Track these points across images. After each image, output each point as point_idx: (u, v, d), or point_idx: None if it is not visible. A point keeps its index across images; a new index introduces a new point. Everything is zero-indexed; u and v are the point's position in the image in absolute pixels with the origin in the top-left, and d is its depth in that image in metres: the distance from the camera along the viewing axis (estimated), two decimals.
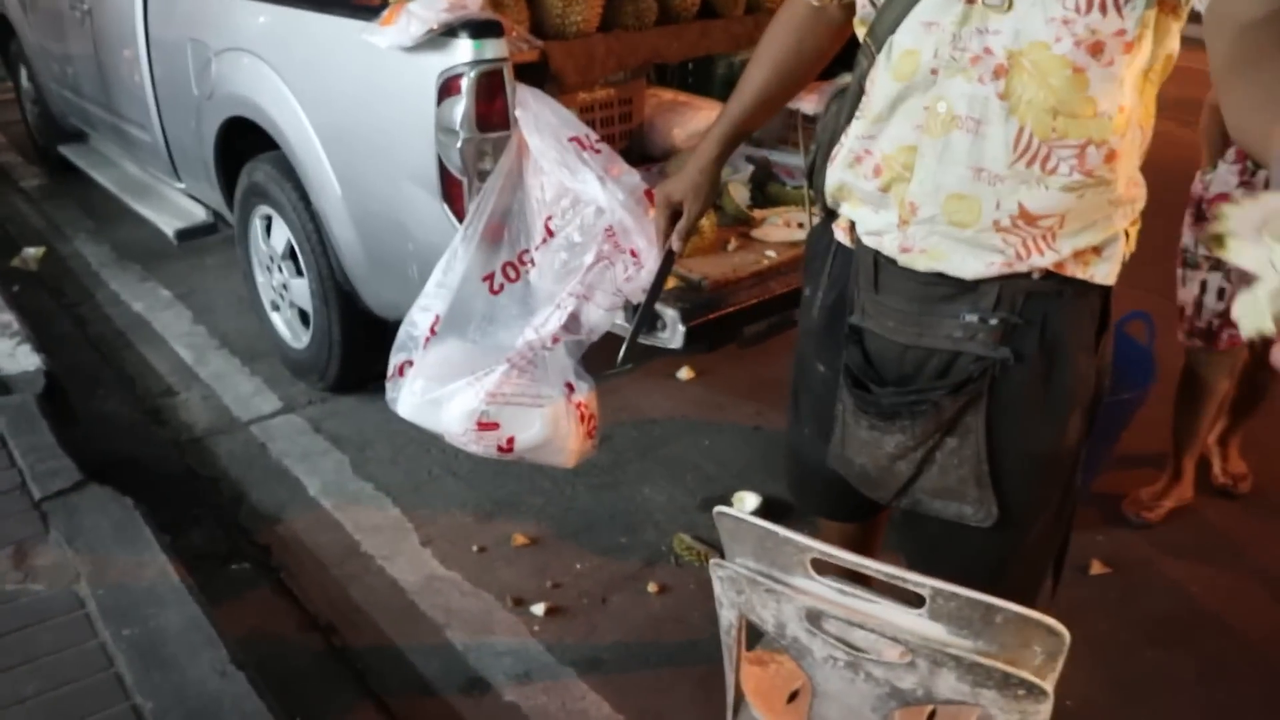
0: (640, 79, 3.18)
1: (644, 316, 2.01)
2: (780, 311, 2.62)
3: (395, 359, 2.24)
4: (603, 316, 2.12)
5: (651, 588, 2.63)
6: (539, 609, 2.53)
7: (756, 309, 2.59)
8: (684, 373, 3.68)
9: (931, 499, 1.47)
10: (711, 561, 1.33)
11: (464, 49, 2.30)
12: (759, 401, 3.49)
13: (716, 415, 3.45)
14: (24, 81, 5.84)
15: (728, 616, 1.38)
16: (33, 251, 4.57)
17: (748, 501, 2.97)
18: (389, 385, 2.22)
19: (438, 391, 2.18)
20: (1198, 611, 2.61)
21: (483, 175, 2.35)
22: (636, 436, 3.30)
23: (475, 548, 2.76)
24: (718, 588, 1.36)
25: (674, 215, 1.81)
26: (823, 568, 1.27)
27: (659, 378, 3.66)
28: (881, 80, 1.36)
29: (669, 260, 1.92)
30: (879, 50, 1.37)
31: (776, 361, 3.05)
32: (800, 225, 2.90)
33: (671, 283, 2.48)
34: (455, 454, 2.95)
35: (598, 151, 2.20)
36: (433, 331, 2.23)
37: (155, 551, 2.38)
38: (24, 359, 3.21)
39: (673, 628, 2.50)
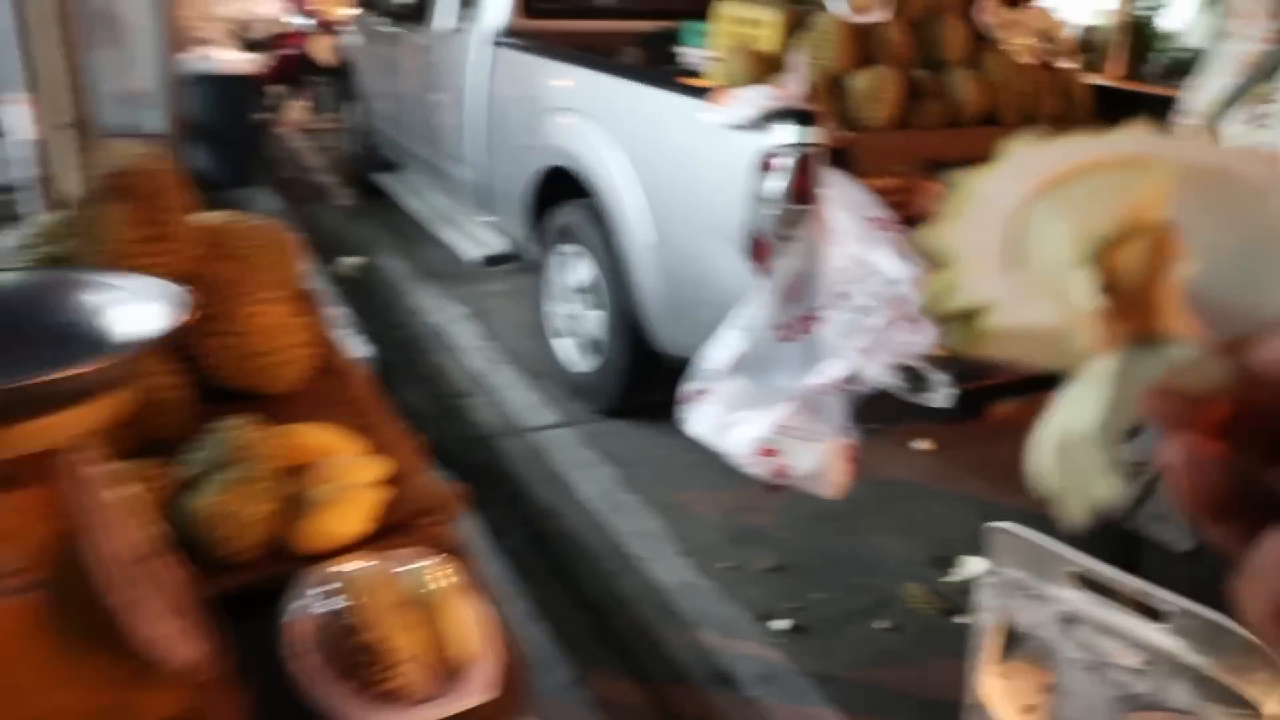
0: (922, 173, 3.51)
1: (915, 377, 2.32)
2: (1032, 392, 2.88)
3: (691, 386, 2.63)
4: (879, 373, 2.45)
5: (882, 624, 2.91)
6: (782, 625, 2.85)
7: (1011, 386, 2.85)
8: (922, 443, 3.94)
9: (1149, 522, 1.72)
10: (983, 570, 1.63)
11: (786, 133, 2.70)
12: (990, 479, 3.71)
13: (949, 485, 3.69)
14: (357, 116, 6.70)
15: (986, 620, 1.68)
16: (353, 260, 5.28)
17: (971, 565, 3.21)
18: (683, 408, 2.60)
19: (728, 418, 2.55)
20: None
21: (786, 240, 2.73)
22: (874, 493, 3.58)
23: (727, 565, 3.11)
24: (983, 595, 1.66)
25: None
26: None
27: (898, 444, 3.93)
28: None
29: None
30: None
31: (1010, 442, 3.28)
32: None
33: (938, 350, 2.78)
34: (713, 480, 3.33)
35: (891, 231, 2.54)
36: (729, 367, 2.61)
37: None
38: (358, 347, 3.81)
39: (901, 661, 2.77)
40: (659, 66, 3.89)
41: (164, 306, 0.80)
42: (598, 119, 3.52)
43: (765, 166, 2.73)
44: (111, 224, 1.32)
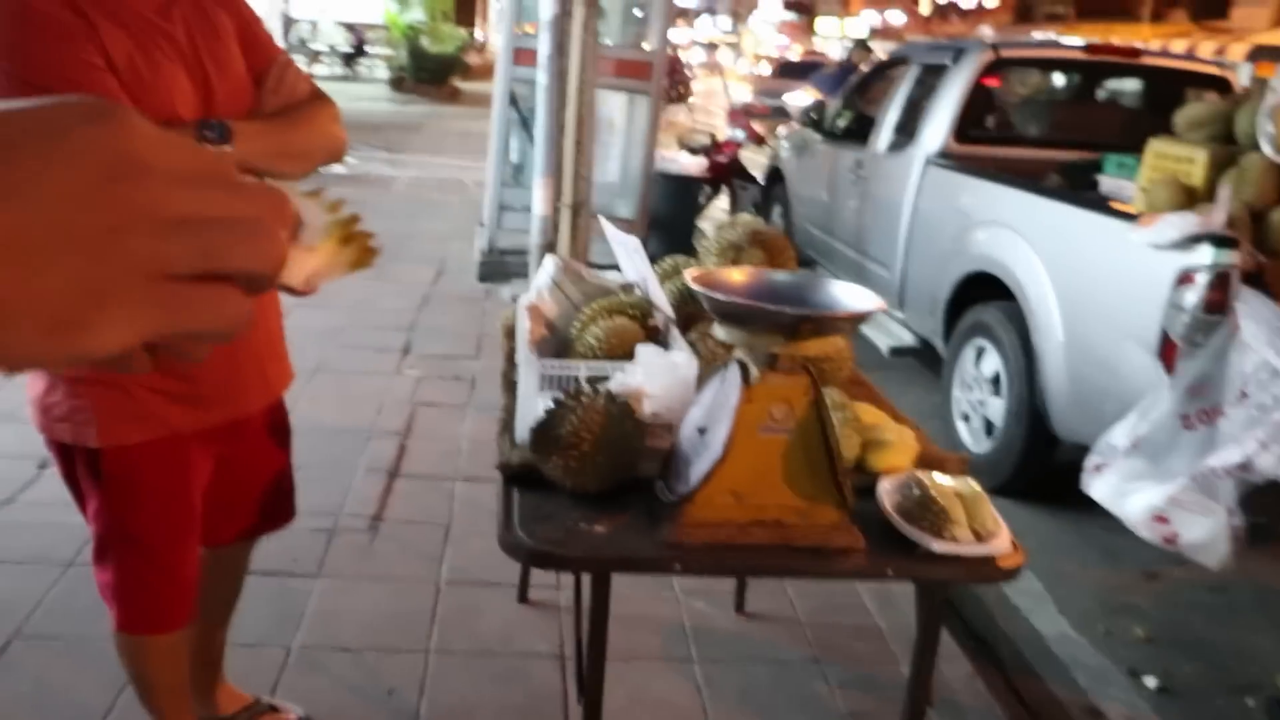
0: None
1: None
2: None
3: (1095, 459, 3.11)
4: (1275, 464, 2.83)
5: (1250, 702, 3.19)
6: (1151, 682, 3.21)
7: None
8: None
9: None
10: None
11: (1205, 254, 3.15)
12: None
13: None
14: (775, 218, 7.62)
15: None
16: None
17: None
18: (1086, 476, 3.08)
19: (1126, 486, 3.00)
20: None
21: (1193, 343, 3.16)
22: (1254, 594, 3.82)
23: (1102, 628, 3.49)
24: None
25: None
26: None
27: None
28: None
29: None
30: None
31: None
32: None
33: None
34: (1093, 560, 3.73)
35: None
36: (1130, 446, 3.07)
37: None
38: None
39: None
40: (1080, 192, 4.40)
41: (861, 303, 1.50)
42: (1022, 233, 4.09)
43: (1184, 280, 3.19)
44: (753, 261, 2.09)
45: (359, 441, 4.10)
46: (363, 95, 20.22)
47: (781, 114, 9.54)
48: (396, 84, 22.65)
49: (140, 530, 1.84)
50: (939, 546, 1.52)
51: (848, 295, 1.51)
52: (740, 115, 9.21)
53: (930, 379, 5.44)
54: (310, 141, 1.80)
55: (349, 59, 24.67)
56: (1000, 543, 1.55)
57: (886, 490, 1.63)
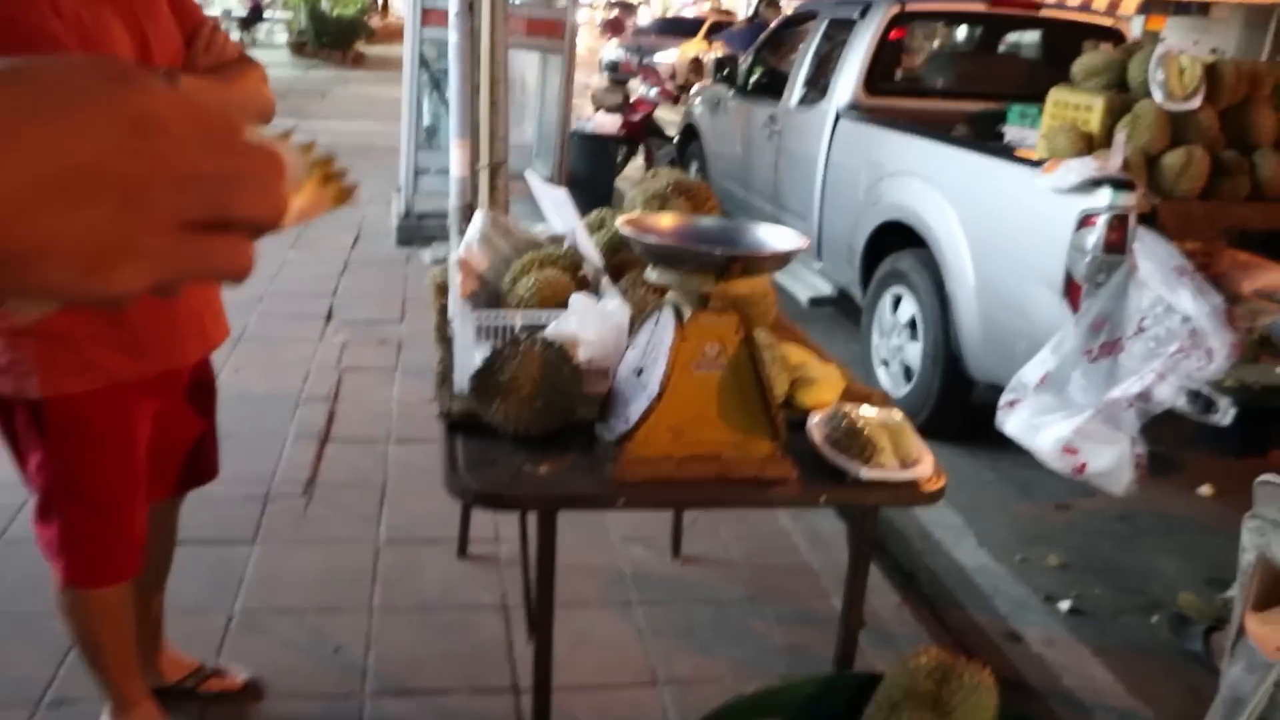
0: (1221, 239, 3.99)
1: (1201, 401, 2.85)
2: None
3: (1007, 396, 3.24)
4: (1171, 393, 2.99)
5: (1154, 619, 3.38)
6: (1064, 605, 3.38)
7: None
8: (1205, 489, 4.33)
9: None
10: (1245, 516, 2.18)
11: (1104, 196, 3.30)
12: None
13: (1229, 528, 4.06)
14: (692, 175, 7.68)
15: (1248, 559, 2.21)
16: None
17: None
18: (1000, 413, 3.22)
19: (1036, 420, 3.14)
20: None
21: (1095, 282, 3.31)
22: (1157, 523, 4.03)
23: (1018, 557, 3.66)
24: (1245, 538, 2.20)
25: None
26: None
27: (1184, 488, 4.34)
28: None
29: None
30: None
31: None
32: None
33: (1230, 381, 3.26)
34: (1008, 495, 3.90)
35: (1191, 278, 3.09)
36: (1041, 381, 3.21)
37: None
38: None
39: (1167, 649, 3.24)
40: (986, 141, 4.53)
41: (786, 243, 1.57)
42: (933, 182, 4.21)
43: (1085, 223, 3.33)
44: (678, 209, 2.14)
45: (287, 408, 4.09)
46: (262, 61, 19.67)
47: (651, 73, 9.60)
48: (297, 49, 22.10)
49: (87, 481, 1.86)
50: (867, 473, 1.61)
51: (773, 236, 1.58)
52: (653, 73, 9.24)
53: (849, 328, 5.58)
54: (243, 99, 1.86)
55: (246, 22, 23.98)
56: (924, 468, 1.65)
57: (816, 424, 1.72)
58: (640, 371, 1.61)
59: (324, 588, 2.89)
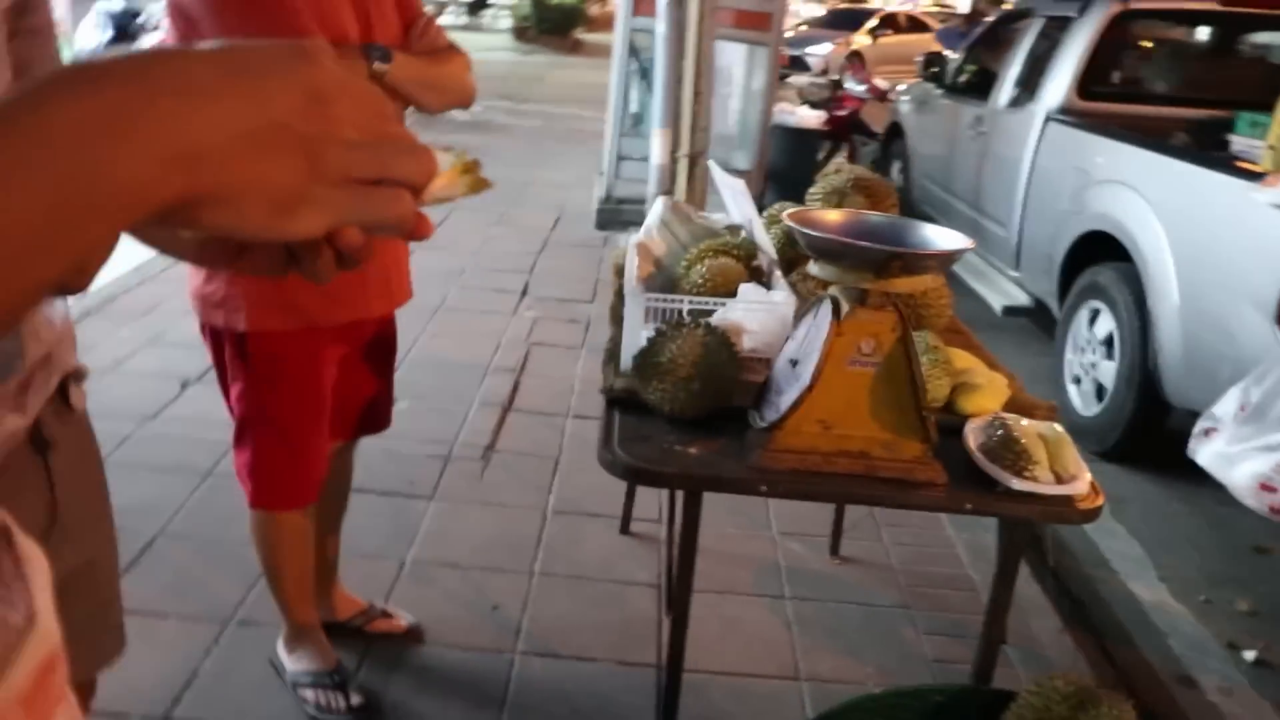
0: None
1: None
2: None
3: (1203, 424, 3.07)
4: None
5: None
6: (1249, 655, 3.17)
7: None
8: None
9: None
10: None
11: None
12: None
13: None
14: (895, 174, 7.55)
15: None
16: None
17: None
18: (1193, 441, 3.05)
19: (1235, 452, 2.97)
20: None
21: None
22: None
23: (1202, 598, 3.46)
24: None
25: None
26: None
27: None
28: None
29: None
30: None
31: None
32: None
33: None
34: (1196, 529, 3.68)
35: None
36: (1242, 410, 3.03)
37: None
38: None
39: None
40: (1205, 151, 4.28)
41: (949, 243, 1.55)
42: (1142, 192, 4.01)
43: None
44: (856, 206, 2.14)
45: (476, 377, 4.28)
46: (486, 45, 20.45)
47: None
48: (519, 34, 22.84)
49: (277, 411, 2.05)
50: (1018, 484, 1.58)
51: (937, 236, 1.56)
52: (861, 69, 9.10)
53: (1043, 340, 5.38)
54: (448, 80, 2.06)
55: (473, 8, 24.94)
56: (1080, 485, 1.60)
57: (972, 430, 1.69)
58: (795, 363, 1.63)
59: (490, 548, 3.03)
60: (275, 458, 2.09)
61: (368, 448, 2.51)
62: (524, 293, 5.52)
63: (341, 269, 0.58)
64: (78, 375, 1.08)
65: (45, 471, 1.02)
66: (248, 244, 0.60)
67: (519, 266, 5.99)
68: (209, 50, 0.48)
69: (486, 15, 25.61)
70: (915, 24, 20.38)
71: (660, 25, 5.77)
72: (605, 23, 25.83)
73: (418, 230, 0.56)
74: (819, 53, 18.27)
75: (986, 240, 5.59)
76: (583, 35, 23.65)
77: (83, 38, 7.19)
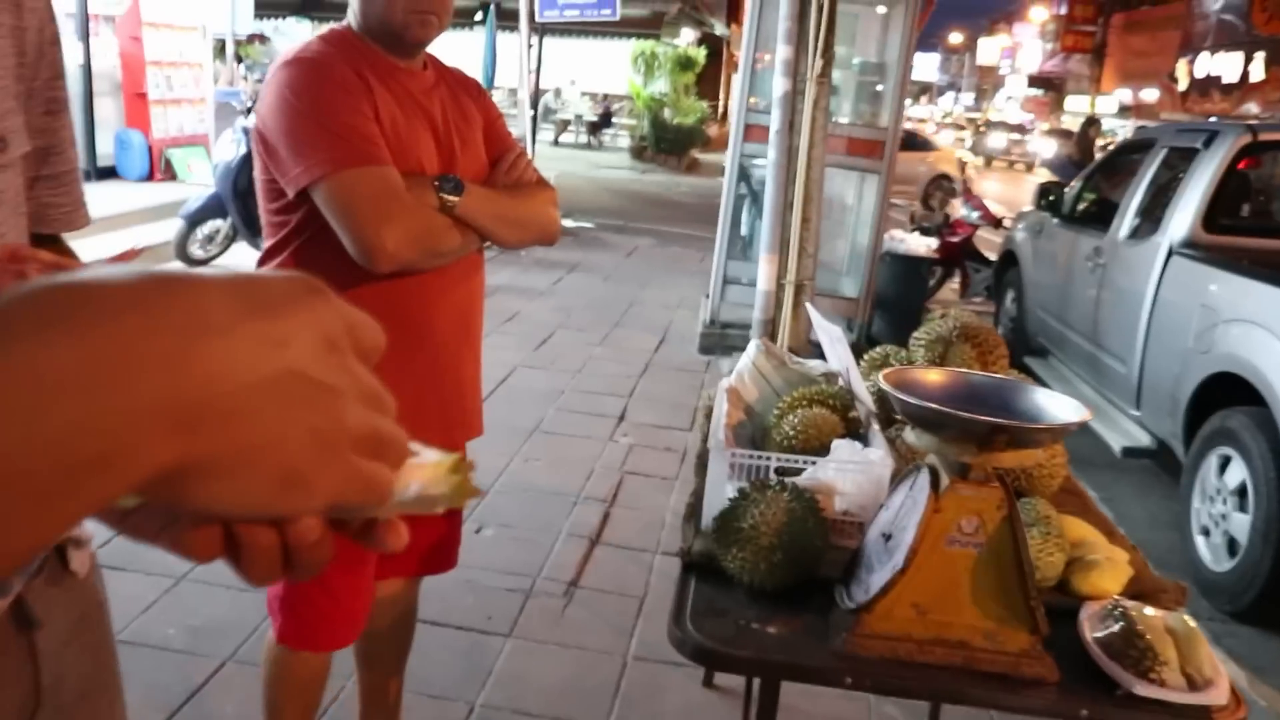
0: None
1: None
2: None
3: None
4: None
5: None
6: None
7: None
8: None
9: None
10: None
11: None
12: None
13: None
14: (1008, 303, 7.33)
15: None
16: None
17: None
18: None
19: None
20: None
21: None
22: None
23: None
24: None
25: None
26: None
27: None
28: None
29: None
30: None
31: None
32: None
33: None
34: None
35: None
36: None
37: None
38: None
39: None
40: None
41: (1064, 414, 1.40)
42: (1276, 332, 3.76)
43: None
44: (962, 357, 2.00)
45: (565, 505, 4.17)
46: (604, 163, 20.94)
47: (972, 195, 9.01)
48: (637, 153, 23.32)
49: None
50: (1142, 689, 1.39)
51: (1052, 404, 1.41)
52: (974, 195, 8.95)
53: (1167, 485, 5.06)
54: (526, 215, 2.00)
55: (594, 127, 25.62)
56: (1218, 692, 1.40)
57: (1088, 618, 1.51)
58: (889, 537, 1.48)
59: (565, 696, 2.88)
60: (309, 596, 1.99)
61: (447, 577, 2.41)
62: (621, 417, 5.44)
63: (287, 575, 0.45)
64: (77, 541, 1.00)
65: (29, 651, 0.93)
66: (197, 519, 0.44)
67: (618, 390, 5.93)
68: (220, 278, 0.40)
69: (606, 134, 26.28)
70: (915, 142, 19.17)
71: (771, 151, 5.76)
72: (722, 142, 26.31)
73: (388, 537, 0.46)
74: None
75: (1105, 376, 5.34)
76: (699, 155, 24.05)
77: (220, 151, 7.53)
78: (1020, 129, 37.39)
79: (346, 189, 1.73)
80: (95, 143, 10.26)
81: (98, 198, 8.63)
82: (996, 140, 35.86)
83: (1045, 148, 29.88)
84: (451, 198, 1.83)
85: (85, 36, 10.11)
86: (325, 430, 0.40)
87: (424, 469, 0.47)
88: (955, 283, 8.66)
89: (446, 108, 1.96)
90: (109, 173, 10.48)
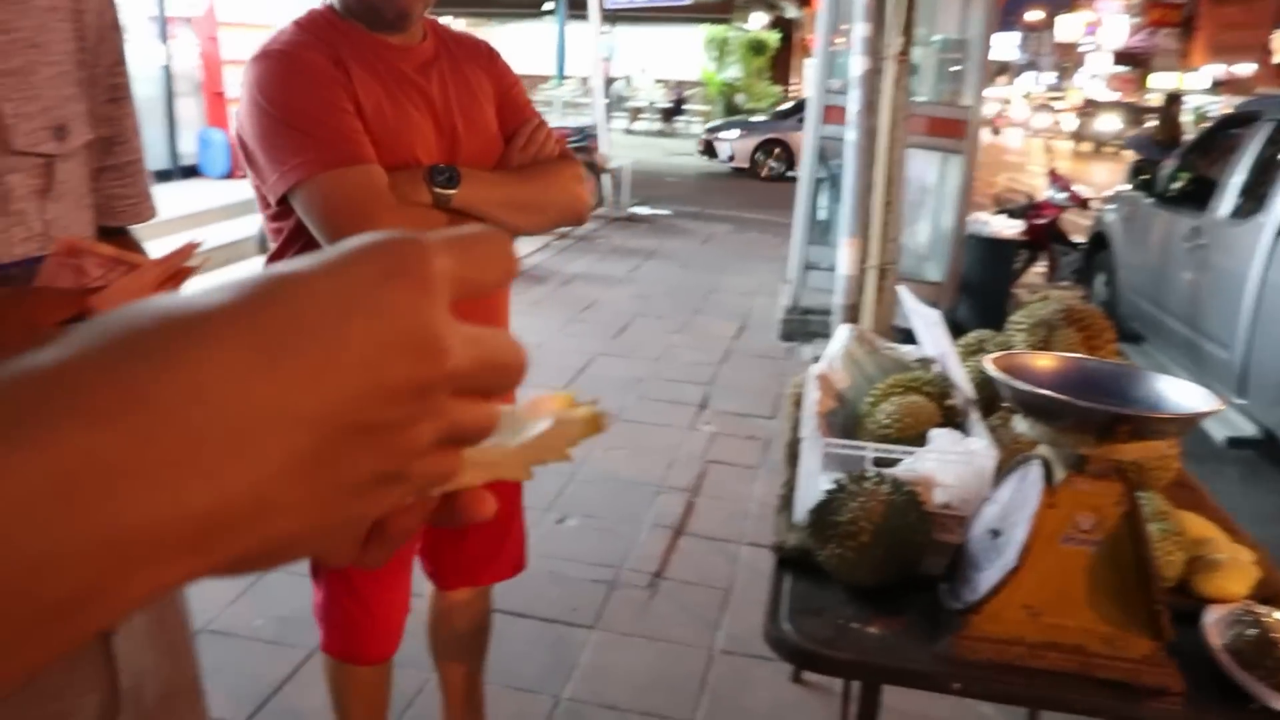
0: None
1: None
2: None
3: None
4: None
5: None
6: None
7: None
8: None
9: None
10: None
11: None
12: None
13: None
14: (1099, 287, 7.10)
15: None
16: None
17: None
18: None
19: None
20: None
21: None
22: None
23: None
24: None
25: None
26: None
27: None
28: None
29: None
30: None
31: None
32: None
33: None
34: None
35: None
36: None
37: None
38: None
39: None
40: None
41: (1192, 403, 1.30)
42: None
43: None
44: (1067, 342, 1.90)
45: (648, 495, 4.13)
46: (677, 150, 20.82)
47: (1059, 176, 8.67)
48: None
49: None
50: None
51: (1176, 392, 1.32)
52: (1060, 176, 8.68)
53: (1276, 478, 4.84)
54: (543, 195, 1.79)
55: (668, 114, 25.52)
56: None
57: (1215, 623, 1.41)
58: (997, 534, 1.40)
59: (651, 689, 2.83)
60: (344, 608, 1.96)
61: (532, 568, 2.36)
62: (703, 405, 5.37)
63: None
64: None
65: (105, 655, 0.90)
66: None
67: (699, 377, 5.86)
68: (225, 328, 0.29)
69: (680, 121, 26.18)
70: None
71: (851, 133, 5.62)
72: None
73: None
74: (729, 138, 17.56)
75: (1205, 363, 5.13)
76: None
77: None
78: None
79: (323, 194, 1.58)
80: (177, 142, 10.48)
81: (180, 196, 8.83)
82: (1108, 123, 30.30)
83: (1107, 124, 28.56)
84: (445, 190, 1.65)
85: (165, 38, 10.32)
86: (388, 471, 0.33)
87: (543, 403, 0.42)
88: (1041, 266, 8.42)
89: (447, 83, 1.76)
90: (192, 171, 10.71)
